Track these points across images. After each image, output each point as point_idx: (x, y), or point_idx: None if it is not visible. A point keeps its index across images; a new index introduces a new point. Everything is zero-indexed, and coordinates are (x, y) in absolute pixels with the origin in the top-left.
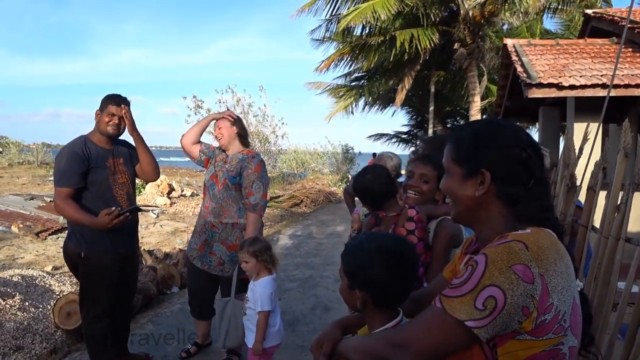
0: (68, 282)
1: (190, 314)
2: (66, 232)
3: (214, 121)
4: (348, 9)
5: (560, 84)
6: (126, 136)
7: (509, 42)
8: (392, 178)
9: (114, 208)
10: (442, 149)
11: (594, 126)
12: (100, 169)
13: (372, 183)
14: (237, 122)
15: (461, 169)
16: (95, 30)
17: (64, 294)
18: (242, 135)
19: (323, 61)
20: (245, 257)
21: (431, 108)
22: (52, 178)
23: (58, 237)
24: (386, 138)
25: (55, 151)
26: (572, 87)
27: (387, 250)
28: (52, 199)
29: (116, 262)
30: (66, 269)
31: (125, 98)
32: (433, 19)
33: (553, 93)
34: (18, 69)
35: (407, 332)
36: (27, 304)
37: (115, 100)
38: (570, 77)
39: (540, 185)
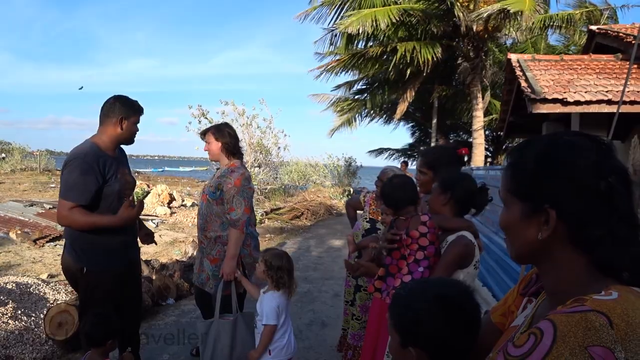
0: (63, 290)
1: (183, 327)
2: (64, 240)
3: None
4: (349, 17)
5: (565, 100)
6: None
7: (512, 57)
8: (416, 187)
9: (129, 199)
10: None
11: None
12: (113, 182)
13: (397, 188)
14: (220, 134)
15: (520, 203)
16: (103, 39)
17: (57, 303)
18: (228, 148)
19: (323, 66)
20: (260, 261)
21: (434, 122)
22: (53, 184)
23: (56, 245)
24: (388, 153)
25: (58, 158)
26: (577, 102)
27: (447, 300)
28: (51, 206)
29: (118, 276)
30: (62, 277)
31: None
32: (436, 33)
33: (558, 109)
34: (24, 76)
35: None
36: (19, 312)
37: (142, 111)
38: (575, 92)
39: (628, 224)
